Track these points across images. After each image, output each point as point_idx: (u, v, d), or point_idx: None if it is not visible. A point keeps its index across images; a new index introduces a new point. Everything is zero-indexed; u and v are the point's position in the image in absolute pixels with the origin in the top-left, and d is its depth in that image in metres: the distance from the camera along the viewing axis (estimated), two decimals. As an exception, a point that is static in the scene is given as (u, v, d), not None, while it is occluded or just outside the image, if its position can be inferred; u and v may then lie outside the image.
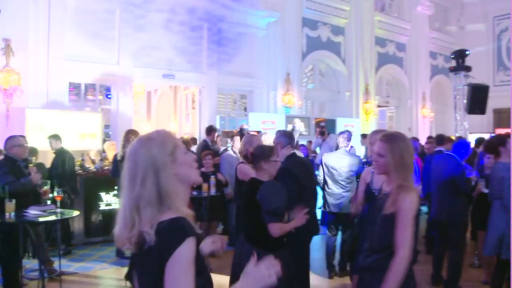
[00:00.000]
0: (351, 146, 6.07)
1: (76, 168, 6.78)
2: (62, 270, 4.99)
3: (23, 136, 5.19)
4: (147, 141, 1.46)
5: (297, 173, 3.68)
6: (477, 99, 11.08)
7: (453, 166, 4.75)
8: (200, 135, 10.06)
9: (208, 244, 1.83)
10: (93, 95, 9.62)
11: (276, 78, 11.43)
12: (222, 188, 6.32)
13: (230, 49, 10.67)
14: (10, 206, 4.17)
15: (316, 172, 5.68)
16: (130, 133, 5.65)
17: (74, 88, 9.17)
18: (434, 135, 9.07)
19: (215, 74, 10.35)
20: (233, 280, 2.94)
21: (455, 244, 4.75)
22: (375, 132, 3.70)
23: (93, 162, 7.43)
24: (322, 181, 5.32)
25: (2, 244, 4.50)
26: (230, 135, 7.94)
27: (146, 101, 13.93)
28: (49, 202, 4.75)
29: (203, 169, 6.05)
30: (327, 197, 5.25)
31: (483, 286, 4.84)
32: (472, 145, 7.16)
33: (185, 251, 1.33)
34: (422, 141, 9.22)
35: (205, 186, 5.84)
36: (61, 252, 5.26)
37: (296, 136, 7.05)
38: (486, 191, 4.80)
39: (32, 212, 4.33)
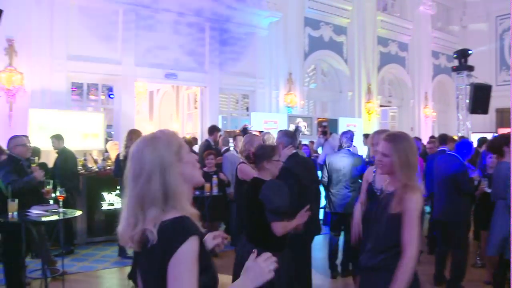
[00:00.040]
0: (353, 146, 6.07)
1: (78, 167, 6.80)
2: (65, 269, 5.00)
3: (26, 136, 5.20)
4: (152, 140, 1.45)
5: (298, 173, 3.68)
6: (479, 98, 11.07)
7: (456, 166, 4.74)
8: (202, 135, 10.05)
9: (209, 241, 1.83)
10: (96, 95, 9.64)
11: (278, 78, 11.41)
12: (224, 188, 6.33)
13: (233, 49, 10.65)
14: (12, 206, 4.17)
15: (319, 172, 5.67)
16: (133, 133, 5.65)
17: (77, 88, 9.21)
18: (436, 135, 9.05)
19: (217, 74, 10.36)
20: (235, 281, 2.94)
21: (458, 244, 4.73)
22: (377, 132, 3.68)
23: (95, 161, 7.45)
24: (326, 181, 5.32)
25: (5, 243, 4.52)
26: (232, 135, 7.94)
27: (149, 101, 13.93)
28: (51, 201, 4.75)
29: (205, 169, 6.07)
30: (332, 197, 5.24)
31: (485, 286, 4.82)
32: (475, 144, 7.15)
33: (188, 250, 1.33)
34: (425, 141, 9.19)
35: (207, 186, 5.86)
36: (63, 251, 5.28)
37: (299, 136, 7.04)
38: (489, 190, 4.79)
39: (35, 211, 4.34)
